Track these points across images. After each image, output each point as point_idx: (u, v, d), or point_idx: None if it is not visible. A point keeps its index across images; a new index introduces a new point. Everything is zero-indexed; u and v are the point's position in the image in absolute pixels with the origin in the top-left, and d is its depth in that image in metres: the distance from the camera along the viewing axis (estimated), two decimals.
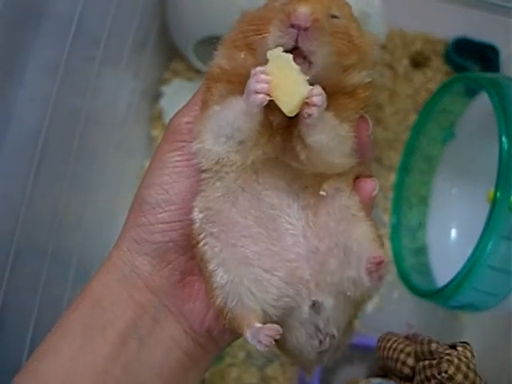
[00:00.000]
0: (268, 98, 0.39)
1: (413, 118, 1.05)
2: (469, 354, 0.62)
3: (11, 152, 0.64)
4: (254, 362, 0.95)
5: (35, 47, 0.65)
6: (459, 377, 0.57)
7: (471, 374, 0.60)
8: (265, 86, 0.39)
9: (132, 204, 0.49)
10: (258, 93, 0.39)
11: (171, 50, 1.07)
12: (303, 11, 0.39)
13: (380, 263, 0.41)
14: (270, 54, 0.39)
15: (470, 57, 1.10)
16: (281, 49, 0.39)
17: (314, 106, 0.39)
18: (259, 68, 0.39)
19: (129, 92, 0.97)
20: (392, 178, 1.03)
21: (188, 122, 0.46)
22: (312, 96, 0.39)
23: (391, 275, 1.01)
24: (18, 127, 0.64)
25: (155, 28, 1.02)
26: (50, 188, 0.73)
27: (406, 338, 0.61)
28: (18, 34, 0.63)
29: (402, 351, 0.58)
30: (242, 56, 0.43)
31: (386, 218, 1.00)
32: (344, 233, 0.43)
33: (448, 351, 0.60)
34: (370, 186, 0.47)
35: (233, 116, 0.41)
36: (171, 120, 0.48)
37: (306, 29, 0.39)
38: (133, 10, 0.90)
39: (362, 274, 0.42)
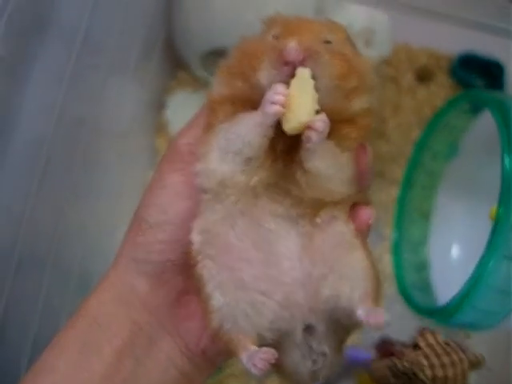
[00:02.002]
0: (283, 110, 0.39)
1: (416, 133, 1.05)
2: (431, 340, 0.61)
3: (15, 160, 0.64)
4: None
5: (41, 55, 0.65)
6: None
7: (445, 359, 0.59)
8: (281, 97, 0.39)
9: (130, 222, 0.49)
10: (274, 103, 0.39)
11: (177, 61, 1.08)
12: (293, 45, 0.39)
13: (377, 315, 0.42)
14: (298, 71, 0.40)
15: (475, 72, 1.10)
16: (309, 70, 0.40)
17: (316, 130, 0.39)
18: (280, 84, 0.40)
19: (134, 102, 0.97)
20: (394, 191, 1.03)
21: (189, 143, 0.47)
22: (316, 121, 0.39)
23: (391, 289, 1.00)
24: (22, 136, 0.65)
25: (161, 38, 1.02)
26: (52, 198, 0.73)
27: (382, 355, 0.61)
28: (24, 42, 0.63)
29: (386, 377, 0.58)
30: (240, 85, 0.43)
31: (388, 232, 1.00)
32: (338, 259, 0.44)
33: (415, 358, 0.60)
34: (366, 213, 0.46)
35: (245, 129, 0.41)
36: (172, 140, 0.48)
37: (300, 62, 0.39)
38: (139, 20, 0.91)
39: (354, 308, 0.42)
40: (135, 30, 0.90)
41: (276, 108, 0.39)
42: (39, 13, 0.65)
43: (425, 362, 0.60)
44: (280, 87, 0.39)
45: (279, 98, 0.39)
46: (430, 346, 0.61)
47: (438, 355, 0.61)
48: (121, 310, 0.47)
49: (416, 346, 0.61)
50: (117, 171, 0.92)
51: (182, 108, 1.05)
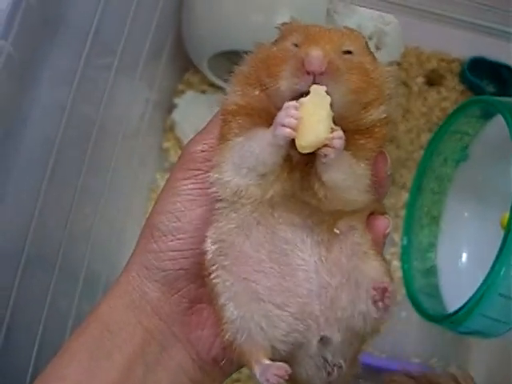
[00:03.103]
0: (294, 134, 0.39)
1: (426, 137, 1.04)
2: (469, 380, 0.61)
3: (24, 161, 0.64)
4: None
5: (51, 55, 0.65)
6: None
7: None
8: (293, 120, 0.38)
9: (143, 229, 0.49)
10: (284, 126, 0.38)
11: (186, 62, 1.07)
12: (316, 55, 0.38)
13: (384, 290, 0.41)
14: (313, 89, 0.39)
15: (486, 76, 1.09)
16: (324, 88, 0.39)
17: (333, 148, 0.38)
18: (293, 103, 0.39)
19: (142, 102, 0.97)
20: (404, 196, 1.02)
21: (203, 151, 0.46)
22: (333, 138, 0.38)
23: (399, 295, 1.00)
24: (32, 136, 0.64)
25: (170, 40, 1.02)
26: (60, 199, 0.73)
27: (406, 375, 0.61)
28: (35, 42, 0.63)
29: None
30: (257, 93, 0.43)
31: (397, 237, 1.00)
32: (355, 269, 0.43)
33: (446, 380, 0.60)
34: (383, 223, 0.46)
35: (258, 148, 0.41)
36: (185, 147, 0.48)
37: (321, 73, 0.39)
38: (149, 22, 0.90)
39: (369, 306, 0.42)
40: (144, 31, 0.89)
41: (287, 131, 0.38)
42: (49, 13, 0.64)
43: None
44: (292, 109, 0.39)
45: (290, 120, 0.38)
46: (465, 381, 0.61)
47: None
48: (132, 317, 0.47)
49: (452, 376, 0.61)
50: (124, 172, 0.92)
51: (190, 109, 1.05)
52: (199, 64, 1.02)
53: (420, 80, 1.10)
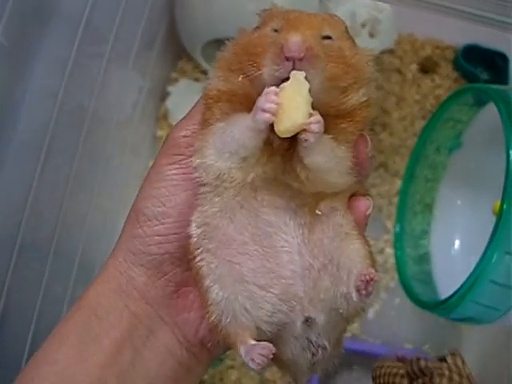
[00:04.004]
0: (273, 118, 0.39)
1: (420, 124, 1.05)
2: (459, 363, 0.63)
3: (18, 149, 0.64)
4: None
5: (43, 44, 0.65)
6: None
7: (465, 381, 0.61)
8: (273, 106, 0.39)
9: (128, 215, 0.49)
10: (264, 111, 0.39)
11: (179, 50, 1.07)
12: (295, 41, 0.39)
13: (369, 281, 0.42)
14: (293, 75, 0.39)
15: (479, 64, 1.09)
16: (303, 73, 0.39)
17: (312, 132, 0.39)
18: (273, 88, 0.40)
19: (135, 91, 0.97)
20: (397, 184, 1.03)
21: (186, 136, 0.46)
22: (310, 123, 0.39)
23: (393, 282, 1.01)
24: (25, 124, 0.65)
25: (163, 27, 1.02)
26: (54, 186, 0.73)
27: (398, 360, 0.62)
28: (28, 31, 0.63)
29: (396, 375, 0.58)
30: (238, 79, 0.43)
31: (390, 225, 1.00)
32: (337, 250, 0.44)
33: (438, 365, 0.61)
34: (364, 204, 0.46)
35: (239, 132, 0.41)
36: (169, 133, 0.48)
37: (300, 59, 0.39)
38: (141, 9, 0.90)
39: (351, 290, 0.43)
40: (137, 19, 0.89)
41: (266, 116, 0.39)
42: (41, 2, 0.64)
43: (446, 373, 0.61)
44: (272, 95, 0.39)
45: (270, 106, 0.39)
46: (456, 365, 0.62)
47: (460, 375, 0.62)
48: (119, 302, 0.47)
49: (443, 360, 0.61)
50: (118, 160, 0.92)
51: (184, 97, 1.05)
52: (192, 51, 1.02)
53: (414, 67, 1.11)
